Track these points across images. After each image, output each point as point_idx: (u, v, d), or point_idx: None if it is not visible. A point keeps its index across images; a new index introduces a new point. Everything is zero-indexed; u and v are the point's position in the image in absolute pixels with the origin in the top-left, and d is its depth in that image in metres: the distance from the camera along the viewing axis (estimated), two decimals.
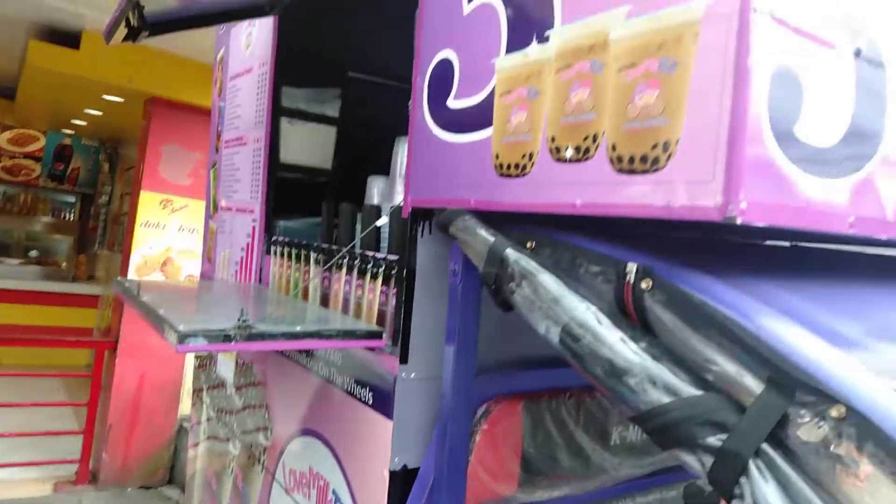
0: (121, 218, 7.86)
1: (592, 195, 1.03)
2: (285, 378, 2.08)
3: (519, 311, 1.17)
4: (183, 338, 1.28)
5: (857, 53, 0.96)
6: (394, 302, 1.61)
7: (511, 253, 1.18)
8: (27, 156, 9.41)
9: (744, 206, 0.82)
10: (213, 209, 2.97)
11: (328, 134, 2.63)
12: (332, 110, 2.64)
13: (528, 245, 1.22)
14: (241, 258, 2.56)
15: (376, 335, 1.55)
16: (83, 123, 8.17)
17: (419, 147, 1.48)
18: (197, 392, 2.92)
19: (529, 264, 1.15)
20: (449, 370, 1.43)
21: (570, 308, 1.06)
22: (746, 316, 0.88)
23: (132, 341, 5.33)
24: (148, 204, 5.63)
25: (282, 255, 2.29)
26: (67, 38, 5.17)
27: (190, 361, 5.60)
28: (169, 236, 5.72)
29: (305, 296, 2.06)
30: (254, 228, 2.48)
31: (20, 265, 8.51)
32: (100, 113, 7.15)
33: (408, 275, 1.53)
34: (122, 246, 6.29)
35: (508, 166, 1.21)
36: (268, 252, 2.39)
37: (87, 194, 9.94)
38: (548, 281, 1.11)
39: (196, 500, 2.68)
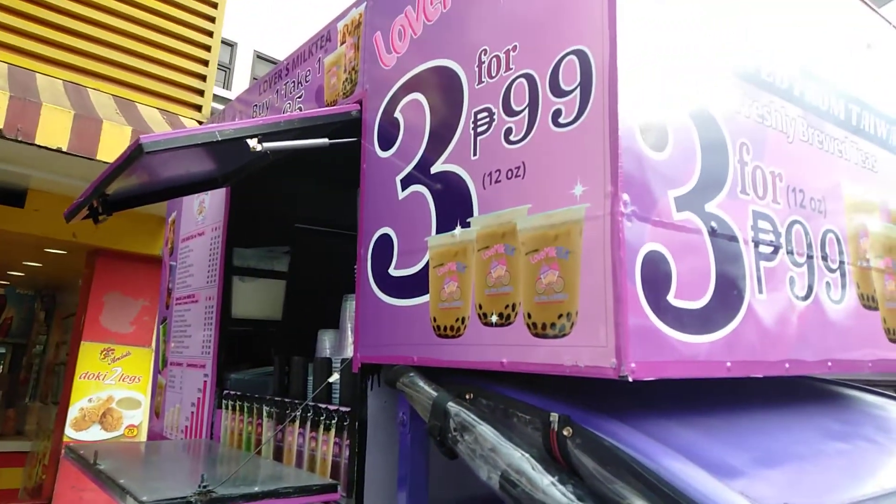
0: (56, 367, 7.57)
1: (515, 355, 1.20)
2: None
3: (462, 459, 1.30)
4: None
5: (712, 232, 1.21)
6: (347, 453, 1.70)
7: (452, 406, 1.33)
8: None
9: (633, 366, 1.01)
10: (161, 364, 3.00)
11: (278, 288, 2.79)
12: (282, 265, 2.82)
13: (467, 396, 1.37)
14: (192, 413, 2.59)
15: (331, 488, 1.63)
16: (20, 274, 8.05)
17: (365, 309, 1.65)
18: None
19: (469, 417, 1.30)
20: None
21: (507, 455, 1.20)
22: (650, 457, 1.04)
23: (68, 500, 5.02)
24: (88, 355, 5.51)
25: (233, 409, 2.35)
26: (12, 196, 5.26)
27: None
28: (109, 387, 5.57)
29: (259, 451, 2.11)
30: (205, 383, 2.54)
31: None
32: (39, 264, 7.10)
33: (359, 426, 1.64)
34: (59, 399, 6.04)
35: (445, 328, 1.38)
36: (219, 406, 2.44)
37: (19, 344, 9.55)
38: (486, 432, 1.26)
39: None
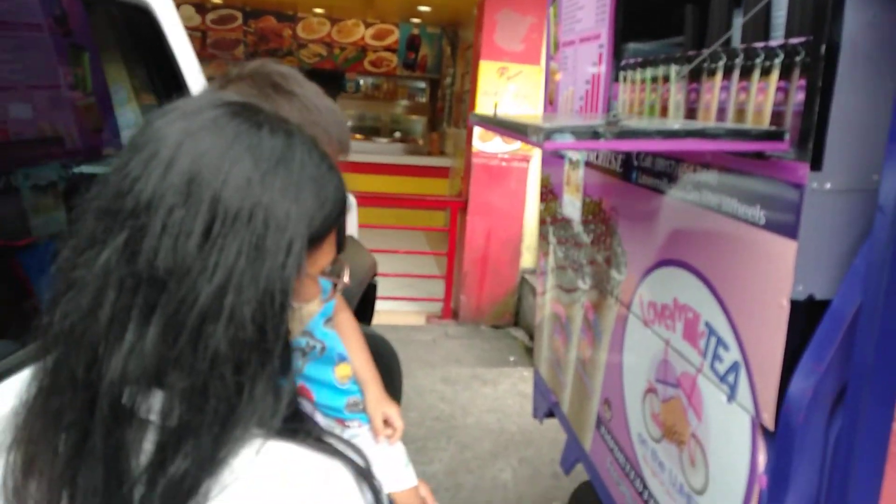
0: (463, 96, 8.41)
1: None
2: (640, 208, 1.89)
3: None
4: (549, 134, 1.16)
5: None
6: (798, 97, 1.24)
7: None
8: (386, 49, 10.64)
9: None
10: (553, 49, 2.82)
11: None
12: None
13: None
14: (587, 91, 2.37)
15: (776, 136, 1.22)
16: (428, 9, 8.78)
17: None
18: (542, 243, 2.95)
19: None
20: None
21: None
22: None
23: (479, 202, 5.82)
24: (486, 73, 5.82)
25: (633, 80, 2.03)
26: None
27: (529, 219, 5.87)
28: (505, 104, 5.87)
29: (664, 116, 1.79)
30: (600, 55, 2.24)
31: (388, 143, 9.96)
32: None
33: (827, 54, 1.14)
34: (466, 119, 6.74)
35: None
36: (616, 79, 2.15)
37: (433, 79, 10.90)
38: None
39: (546, 334, 2.77)
